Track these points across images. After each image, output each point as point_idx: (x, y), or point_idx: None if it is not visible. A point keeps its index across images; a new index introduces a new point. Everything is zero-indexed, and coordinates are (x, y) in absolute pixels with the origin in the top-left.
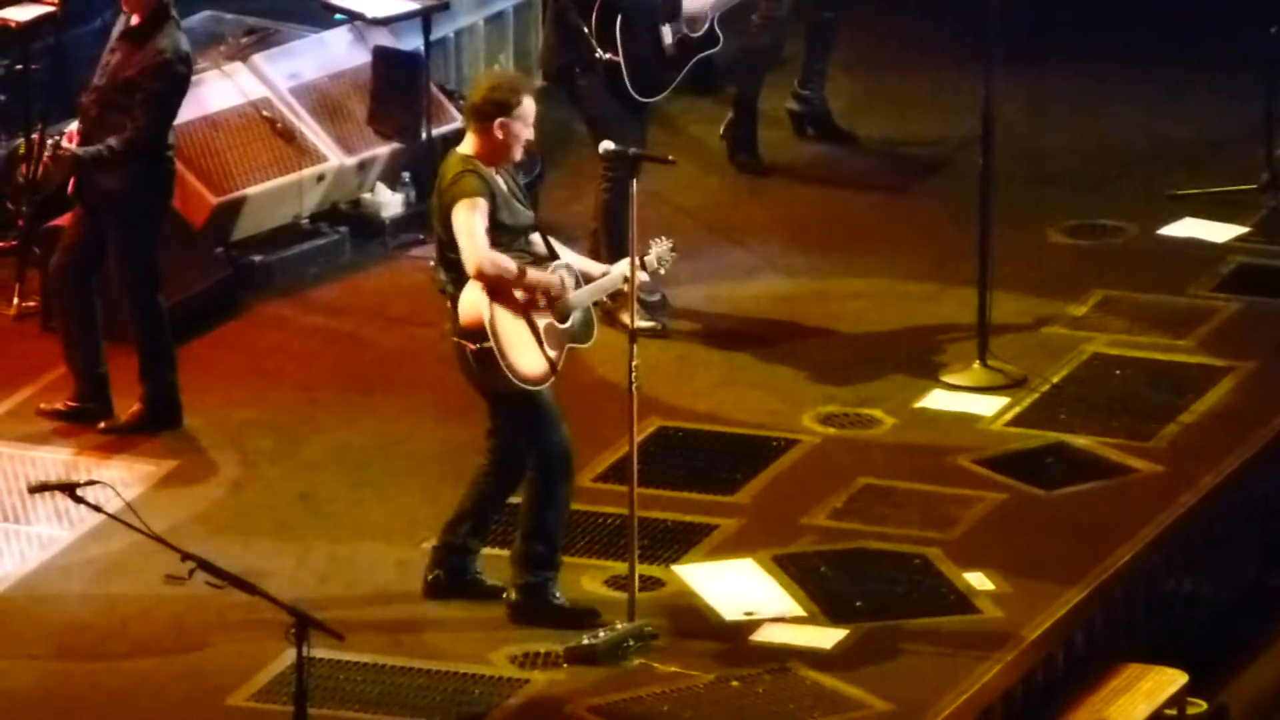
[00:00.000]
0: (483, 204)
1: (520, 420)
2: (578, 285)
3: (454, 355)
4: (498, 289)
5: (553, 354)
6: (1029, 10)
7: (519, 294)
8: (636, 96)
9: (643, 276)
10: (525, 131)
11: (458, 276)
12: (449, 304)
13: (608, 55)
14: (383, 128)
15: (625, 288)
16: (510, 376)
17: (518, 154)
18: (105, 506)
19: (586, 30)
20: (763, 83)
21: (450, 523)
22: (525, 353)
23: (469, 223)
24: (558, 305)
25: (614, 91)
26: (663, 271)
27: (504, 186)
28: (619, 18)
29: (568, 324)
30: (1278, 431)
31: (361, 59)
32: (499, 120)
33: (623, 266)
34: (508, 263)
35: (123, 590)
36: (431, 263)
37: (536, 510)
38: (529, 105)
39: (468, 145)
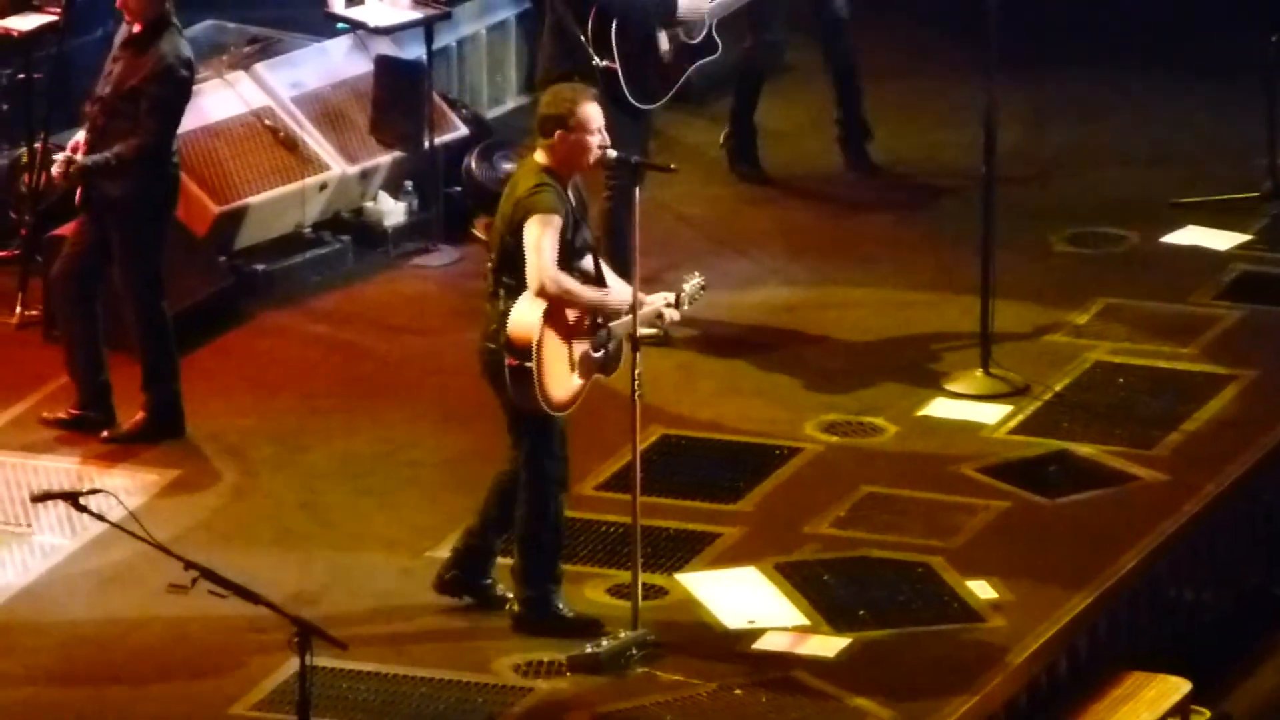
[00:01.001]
0: (557, 221)
1: (527, 435)
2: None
3: (479, 360)
4: (552, 310)
5: (579, 382)
6: (1029, 18)
7: (573, 315)
8: (635, 103)
9: (674, 315)
10: (591, 139)
11: (512, 284)
12: (492, 309)
13: (605, 63)
14: (385, 137)
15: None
16: (540, 399)
17: (589, 161)
18: (108, 515)
19: (584, 38)
20: (759, 95)
21: (475, 527)
22: (560, 378)
23: (540, 239)
24: (598, 334)
25: (613, 99)
26: (688, 308)
27: (574, 200)
28: (614, 24)
29: (600, 354)
30: (1279, 439)
31: (364, 68)
32: (558, 133)
33: (658, 303)
34: (570, 283)
35: (126, 599)
36: (488, 264)
37: (531, 525)
38: (586, 112)
39: (542, 155)
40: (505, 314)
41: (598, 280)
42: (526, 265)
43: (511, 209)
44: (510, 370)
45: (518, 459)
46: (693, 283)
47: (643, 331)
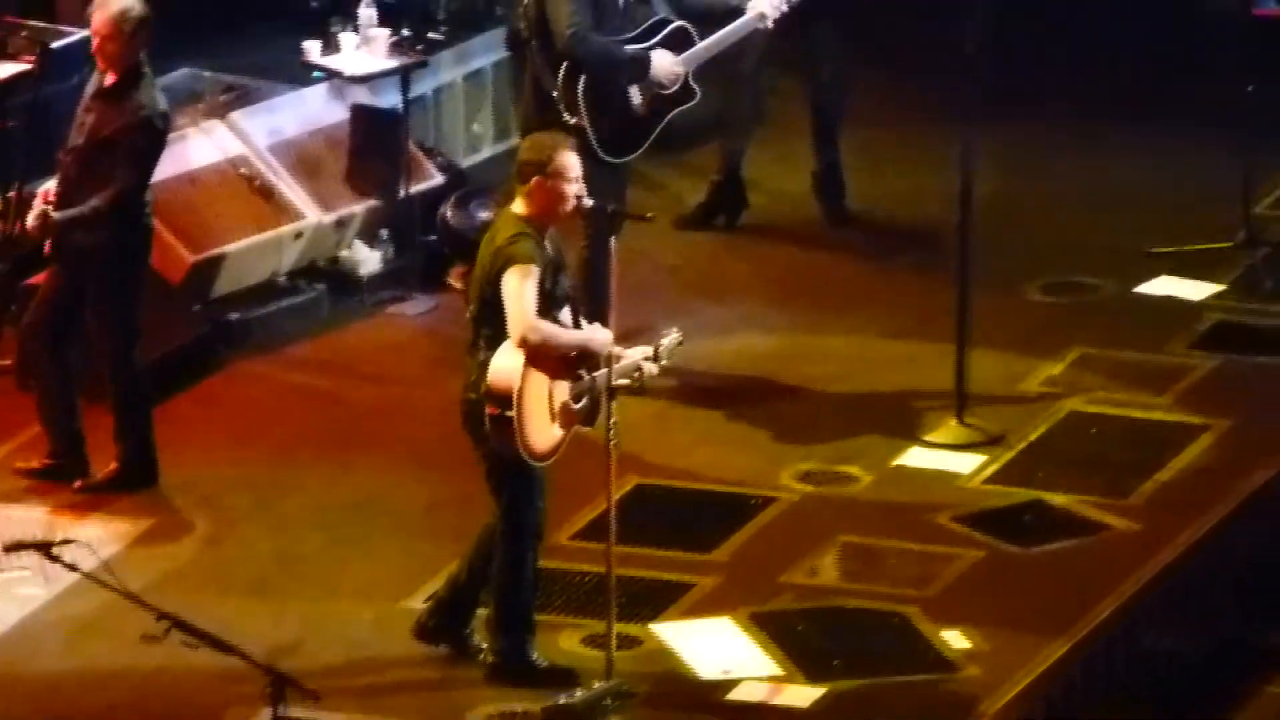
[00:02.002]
0: (536, 271)
1: (506, 485)
2: (596, 367)
3: (460, 410)
4: (533, 359)
5: (560, 433)
6: (1006, 66)
7: (553, 365)
8: (606, 159)
9: (652, 369)
10: (568, 187)
11: (492, 334)
12: (472, 360)
13: (574, 120)
14: (361, 185)
15: (634, 382)
16: (521, 449)
17: (566, 210)
18: (81, 565)
19: (555, 94)
20: (747, 143)
21: (460, 577)
22: (541, 428)
23: (520, 289)
24: (578, 385)
25: (586, 153)
26: (665, 361)
27: (551, 252)
28: (581, 81)
29: (580, 404)
30: (1254, 488)
31: (340, 116)
32: (535, 179)
33: (636, 356)
34: (550, 329)
35: (99, 649)
36: (468, 315)
37: (506, 576)
38: (564, 161)
39: (519, 204)
40: (485, 364)
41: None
42: (507, 315)
43: (490, 259)
44: (491, 419)
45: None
46: (670, 338)
47: (619, 382)
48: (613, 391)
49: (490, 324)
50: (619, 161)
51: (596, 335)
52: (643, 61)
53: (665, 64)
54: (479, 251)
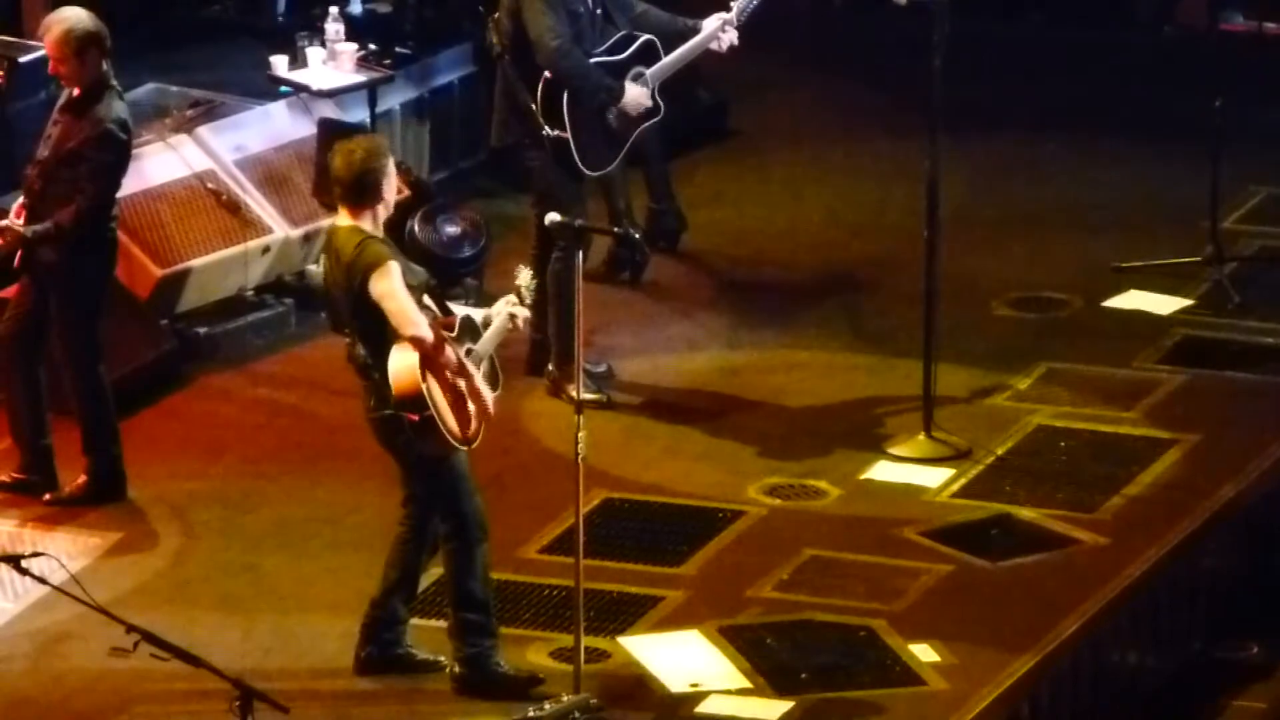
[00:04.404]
0: (397, 268)
1: (437, 489)
2: (479, 335)
3: (373, 431)
4: (426, 354)
5: (474, 409)
6: (973, 81)
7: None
8: (586, 171)
9: (523, 312)
10: (394, 184)
11: (378, 348)
12: (367, 379)
13: (555, 132)
14: (328, 199)
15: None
16: (450, 439)
17: (391, 198)
18: (50, 578)
19: (534, 107)
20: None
21: (378, 597)
22: (457, 413)
23: (391, 288)
24: (470, 358)
25: (562, 166)
26: (528, 298)
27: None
28: (565, 94)
29: (480, 374)
30: (1222, 504)
31: (307, 131)
32: (372, 188)
33: (501, 309)
34: (431, 332)
35: (67, 663)
36: (346, 340)
37: (460, 580)
38: (385, 162)
39: (345, 219)
40: (384, 378)
41: (445, 312)
42: (390, 317)
43: (346, 278)
44: (414, 427)
45: (411, 520)
46: (523, 275)
47: (586, 396)
48: (580, 405)
49: (371, 339)
50: (595, 175)
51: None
52: (616, 91)
53: (635, 96)
54: (330, 282)
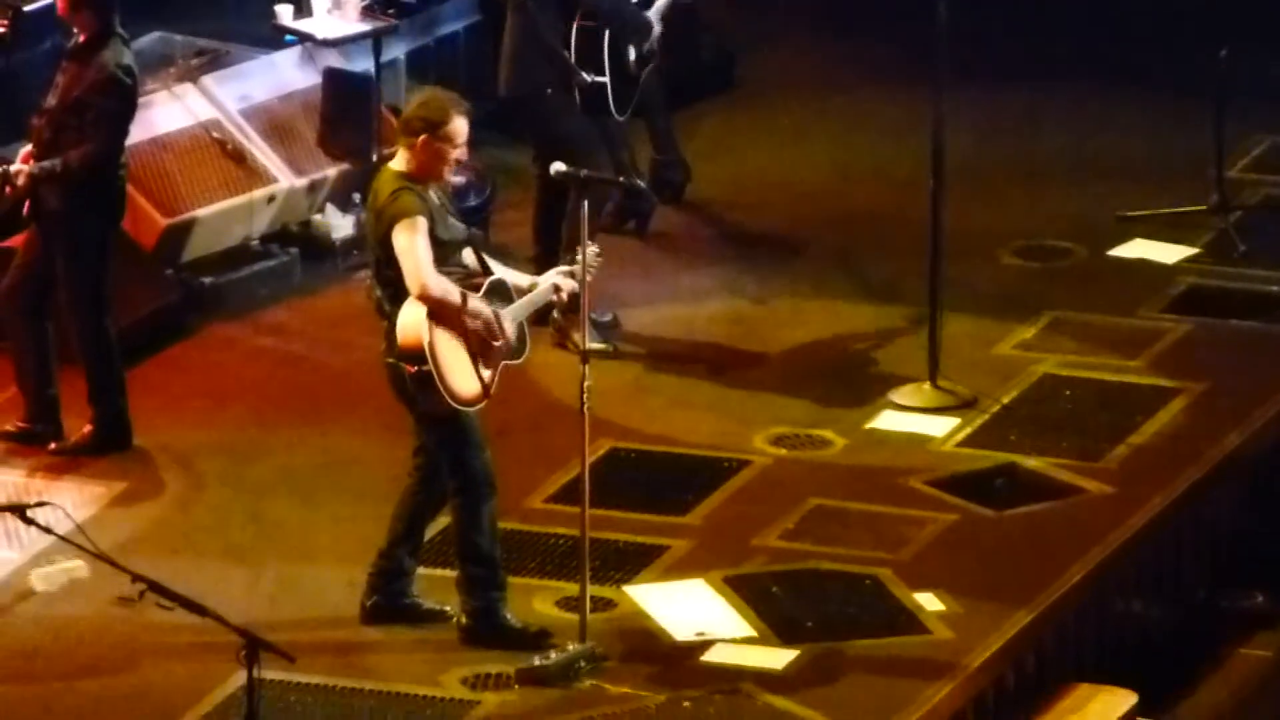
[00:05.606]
0: (423, 222)
1: (446, 442)
2: (510, 300)
3: (388, 374)
4: (438, 311)
5: (487, 374)
6: (978, 30)
7: (462, 320)
8: (618, 115)
9: (571, 284)
10: (453, 152)
11: (395, 294)
12: (385, 323)
13: (592, 78)
14: (333, 149)
15: (560, 301)
16: (448, 399)
17: (447, 174)
18: (55, 528)
19: (566, 52)
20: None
21: (385, 548)
22: (463, 375)
23: (411, 242)
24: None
25: (590, 113)
26: (588, 277)
27: (436, 200)
28: (605, 38)
29: (500, 342)
30: (1227, 452)
31: (312, 80)
32: (423, 137)
33: (551, 277)
34: (451, 287)
35: (73, 612)
36: (367, 279)
37: (467, 534)
38: (458, 126)
39: (399, 161)
40: (394, 325)
41: (483, 271)
42: (403, 270)
43: (376, 221)
44: (412, 378)
45: (420, 471)
46: (590, 251)
47: (592, 346)
48: (586, 355)
49: (391, 284)
50: (622, 118)
51: (489, 308)
52: (648, 25)
53: (655, 28)
54: (365, 218)
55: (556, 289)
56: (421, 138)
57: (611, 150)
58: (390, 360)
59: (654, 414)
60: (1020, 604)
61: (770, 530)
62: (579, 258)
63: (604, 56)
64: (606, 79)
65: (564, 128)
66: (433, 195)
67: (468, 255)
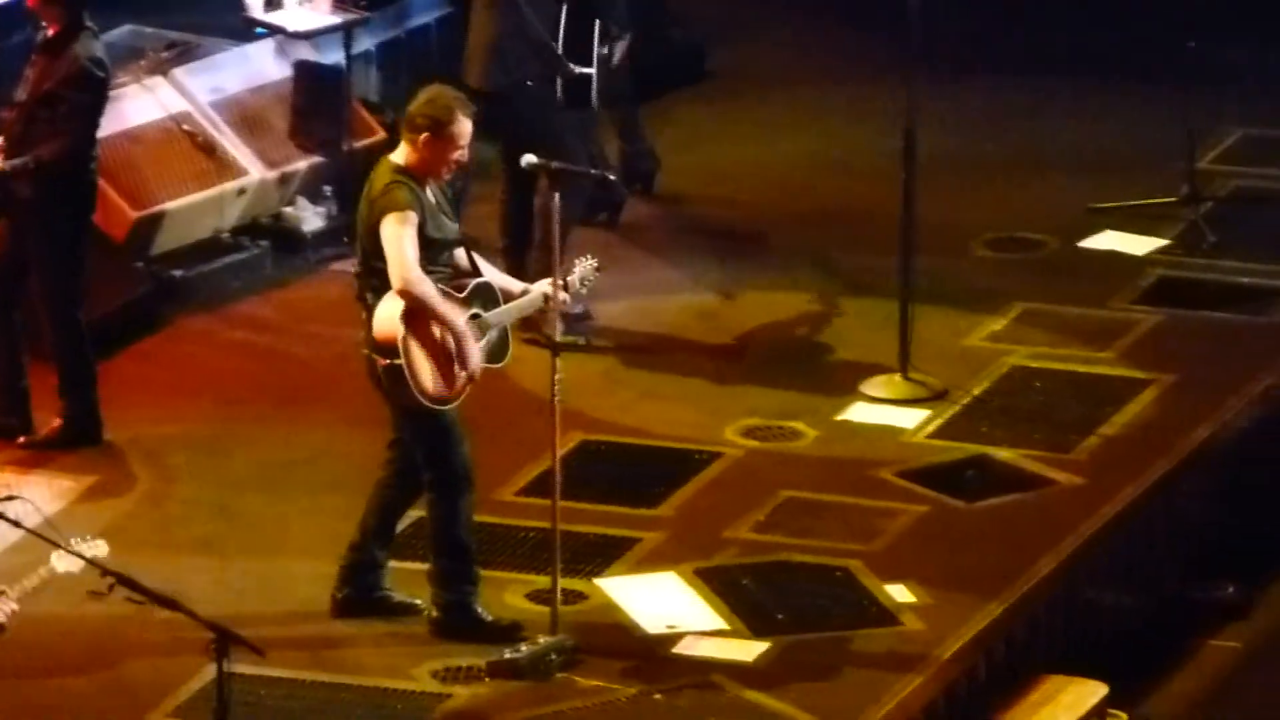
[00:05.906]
0: (413, 217)
1: (423, 435)
2: (496, 304)
3: (366, 365)
4: (415, 309)
5: (462, 373)
6: (950, 23)
7: (438, 322)
8: (598, 106)
9: (563, 297)
10: (455, 153)
11: (379, 285)
12: (364, 314)
13: (579, 69)
14: (304, 141)
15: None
16: (419, 396)
17: (445, 173)
18: (24, 521)
19: (553, 44)
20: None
21: (357, 540)
22: (433, 373)
23: (398, 234)
24: (476, 323)
25: (572, 105)
26: (584, 291)
27: (432, 199)
28: (595, 29)
29: (482, 343)
30: (1198, 444)
31: (283, 73)
32: (426, 135)
33: (543, 286)
34: (432, 289)
35: (43, 606)
36: (353, 269)
37: (442, 529)
38: (463, 127)
39: (400, 154)
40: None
41: (473, 272)
42: (388, 263)
43: (368, 211)
44: (384, 370)
45: (393, 464)
46: (585, 265)
47: (563, 338)
48: (557, 348)
49: (376, 275)
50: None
51: (456, 317)
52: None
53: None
54: (358, 207)
55: (546, 298)
56: (424, 135)
57: (584, 142)
58: (366, 351)
59: (625, 406)
60: (991, 595)
61: (741, 522)
62: (575, 270)
63: (593, 48)
64: (593, 70)
65: (544, 121)
66: (429, 193)
67: (460, 256)
